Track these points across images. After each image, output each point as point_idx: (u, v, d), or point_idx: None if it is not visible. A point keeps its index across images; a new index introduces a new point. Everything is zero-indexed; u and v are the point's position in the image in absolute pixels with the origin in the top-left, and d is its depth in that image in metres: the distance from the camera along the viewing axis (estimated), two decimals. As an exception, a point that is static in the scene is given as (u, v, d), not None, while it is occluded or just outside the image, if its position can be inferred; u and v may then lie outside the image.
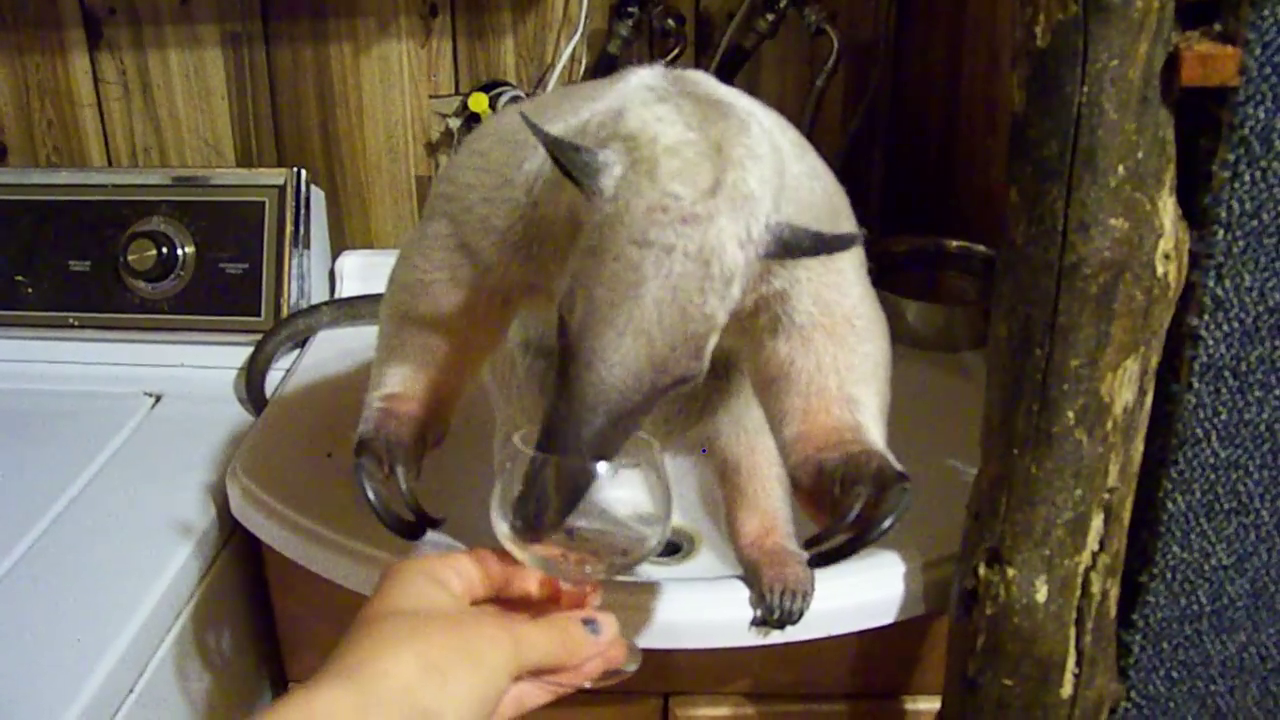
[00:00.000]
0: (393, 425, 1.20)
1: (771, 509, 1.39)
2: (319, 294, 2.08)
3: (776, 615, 1.30)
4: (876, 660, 1.55)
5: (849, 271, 1.16)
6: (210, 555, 1.62)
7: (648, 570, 1.68)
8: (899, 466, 1.10)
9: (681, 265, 0.91)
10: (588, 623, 1.00)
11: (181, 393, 1.95)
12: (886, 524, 1.04)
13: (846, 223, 1.17)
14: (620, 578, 1.41)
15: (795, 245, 0.96)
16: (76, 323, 2.05)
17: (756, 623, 1.32)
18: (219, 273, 2.01)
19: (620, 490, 1.03)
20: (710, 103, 1.00)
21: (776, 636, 1.33)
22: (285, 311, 1.99)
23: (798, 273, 1.11)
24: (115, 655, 1.38)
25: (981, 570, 1.20)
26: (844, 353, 1.15)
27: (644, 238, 0.91)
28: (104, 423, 1.86)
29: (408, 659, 0.89)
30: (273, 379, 1.94)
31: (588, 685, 1.03)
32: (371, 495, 1.15)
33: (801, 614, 1.30)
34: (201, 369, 2.01)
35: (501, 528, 1.01)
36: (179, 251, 2.01)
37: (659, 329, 0.91)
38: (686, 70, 1.09)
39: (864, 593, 1.37)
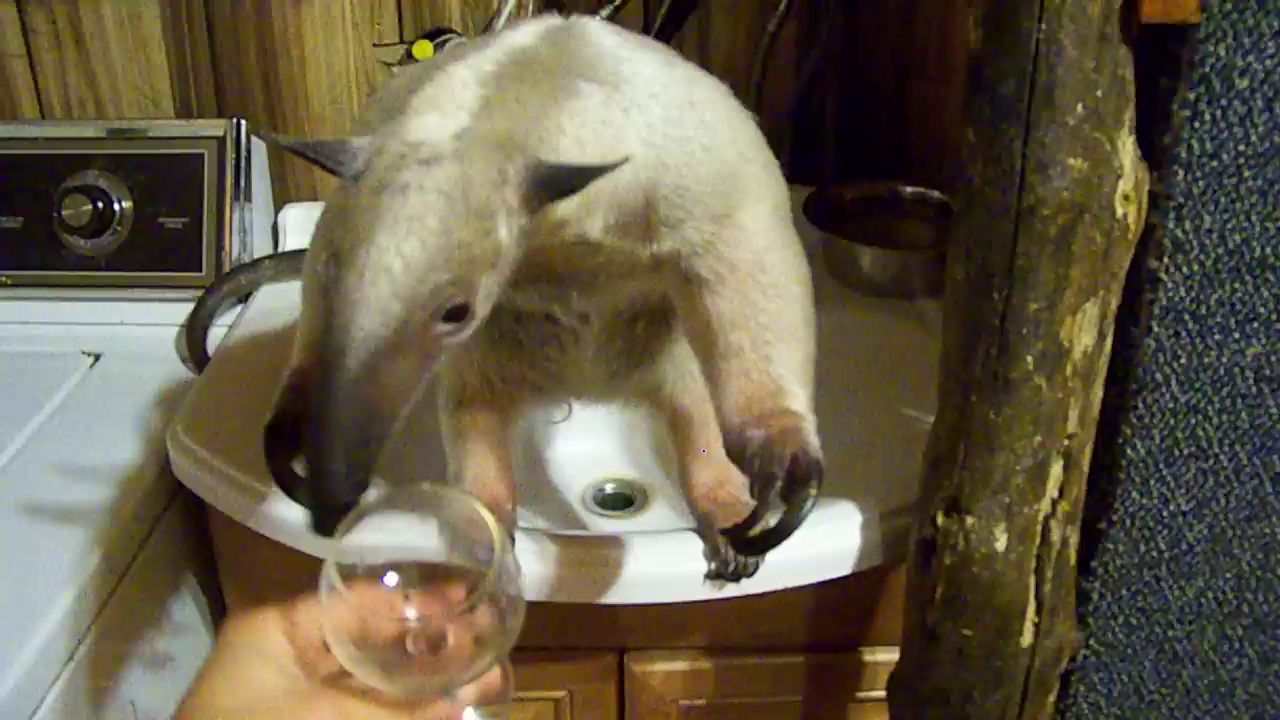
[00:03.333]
0: (302, 403, 1.20)
1: (724, 460, 1.37)
2: (262, 248, 2.03)
3: (731, 568, 1.28)
4: (834, 612, 1.53)
5: (749, 224, 1.14)
6: (153, 517, 1.58)
7: (600, 524, 1.67)
8: (815, 450, 1.11)
9: (419, 199, 0.87)
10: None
11: (121, 351, 1.91)
12: (796, 525, 1.07)
13: (753, 182, 1.15)
14: (574, 533, 1.38)
15: (559, 183, 0.92)
16: (10, 281, 1.99)
17: (711, 576, 1.30)
18: (158, 227, 1.96)
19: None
20: (541, 68, 0.98)
21: (732, 589, 1.31)
22: (227, 266, 1.95)
23: (687, 234, 1.10)
24: (54, 620, 1.35)
25: (940, 519, 1.18)
26: (753, 310, 1.14)
27: (380, 183, 0.89)
28: (41, 383, 1.82)
29: None
30: (215, 335, 1.89)
31: None
32: (279, 478, 1.18)
33: (757, 566, 1.28)
34: (141, 326, 1.95)
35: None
36: (116, 206, 1.95)
37: (400, 262, 0.86)
38: (583, 20, 1.08)
39: (821, 544, 1.35)
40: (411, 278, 0.86)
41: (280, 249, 2.07)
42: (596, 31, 1.07)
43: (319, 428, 0.86)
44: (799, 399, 1.14)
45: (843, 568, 1.37)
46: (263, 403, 1.58)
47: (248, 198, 1.98)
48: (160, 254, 1.96)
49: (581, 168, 0.93)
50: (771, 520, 1.09)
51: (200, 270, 1.95)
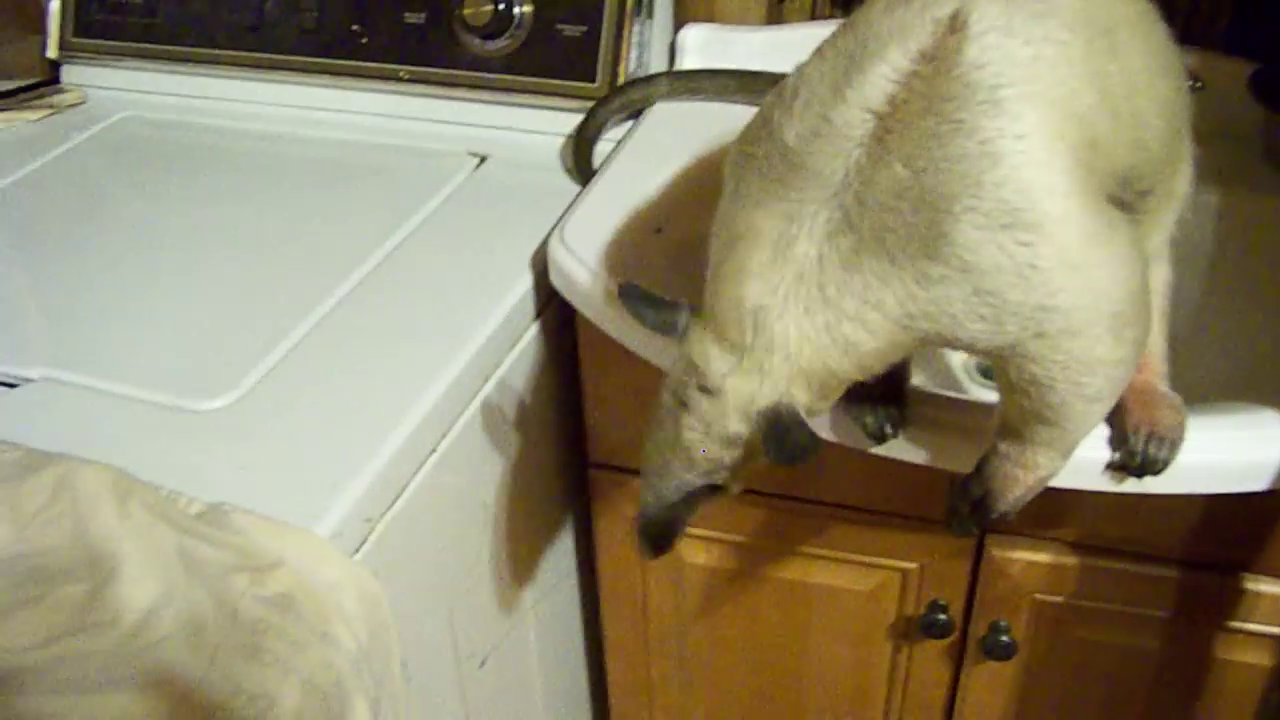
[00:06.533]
0: None
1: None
2: (657, 65, 1.97)
3: (1139, 461, 1.15)
4: (1221, 528, 1.39)
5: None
6: (522, 324, 1.57)
7: (982, 394, 1.57)
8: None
9: (676, 423, 1.03)
10: None
11: (507, 155, 1.90)
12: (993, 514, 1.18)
13: None
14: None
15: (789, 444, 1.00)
16: (407, 76, 1.99)
17: (1114, 466, 1.18)
18: (556, 34, 1.92)
19: None
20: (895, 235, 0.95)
21: (1131, 485, 1.19)
22: (622, 79, 1.89)
23: None
24: (420, 413, 1.35)
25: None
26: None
27: (667, 403, 1.05)
28: (426, 180, 1.82)
29: None
30: (602, 149, 1.86)
31: None
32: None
33: (1167, 464, 1.15)
34: (529, 133, 1.93)
35: None
36: (516, 9, 1.92)
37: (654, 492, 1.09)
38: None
39: (1242, 451, 1.19)
40: (670, 489, 1.07)
41: (675, 68, 2.00)
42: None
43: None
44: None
45: (1258, 481, 1.20)
46: (649, 221, 1.54)
47: (649, 13, 1.91)
48: (556, 61, 1.92)
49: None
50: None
51: (594, 81, 1.90)
